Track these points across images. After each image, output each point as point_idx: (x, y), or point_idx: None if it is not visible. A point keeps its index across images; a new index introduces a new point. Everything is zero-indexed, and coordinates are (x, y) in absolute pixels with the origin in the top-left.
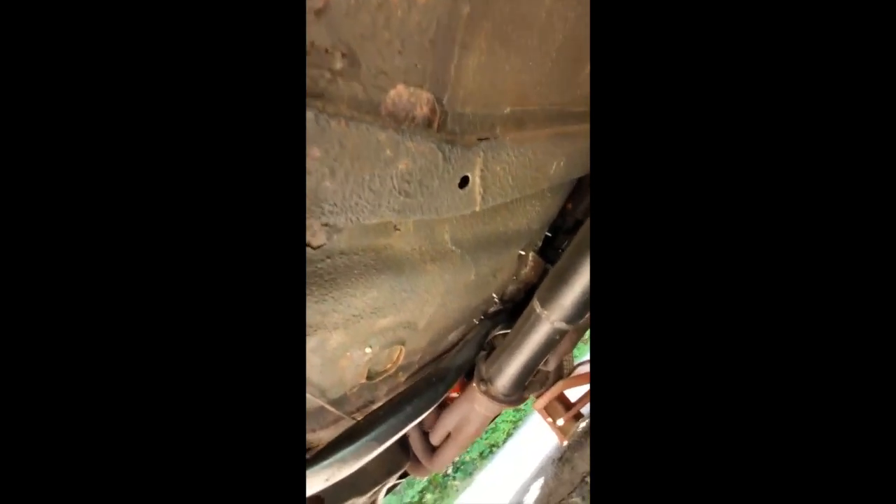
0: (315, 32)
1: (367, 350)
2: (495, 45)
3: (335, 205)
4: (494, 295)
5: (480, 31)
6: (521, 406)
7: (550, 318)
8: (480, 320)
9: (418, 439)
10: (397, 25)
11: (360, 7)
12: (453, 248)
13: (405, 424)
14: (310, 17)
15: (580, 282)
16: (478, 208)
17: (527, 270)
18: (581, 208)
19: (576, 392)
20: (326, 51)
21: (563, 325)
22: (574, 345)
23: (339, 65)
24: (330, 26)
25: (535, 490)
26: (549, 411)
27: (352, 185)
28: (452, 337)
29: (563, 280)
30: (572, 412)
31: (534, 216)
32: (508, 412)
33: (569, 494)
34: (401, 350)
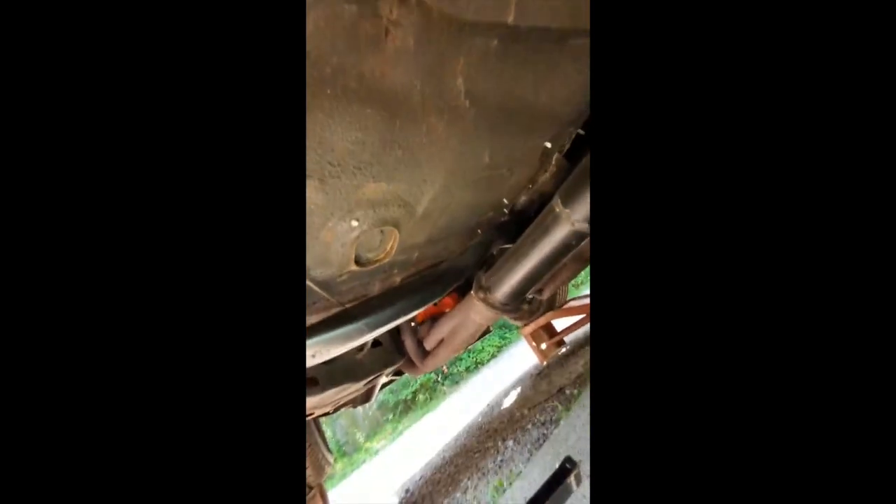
0: None
1: (354, 223)
2: None
3: None
4: (505, 199)
5: None
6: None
7: (572, 217)
8: (484, 231)
9: (412, 343)
10: None
11: None
12: (466, 102)
13: (397, 317)
14: None
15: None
16: (511, 19)
17: (547, 177)
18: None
19: (562, 323)
20: None
21: (585, 227)
22: (574, 275)
23: None
24: None
25: (514, 395)
26: (534, 337)
27: None
28: (452, 244)
29: (586, 177)
30: (555, 339)
31: (567, 96)
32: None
33: (545, 400)
34: (395, 235)
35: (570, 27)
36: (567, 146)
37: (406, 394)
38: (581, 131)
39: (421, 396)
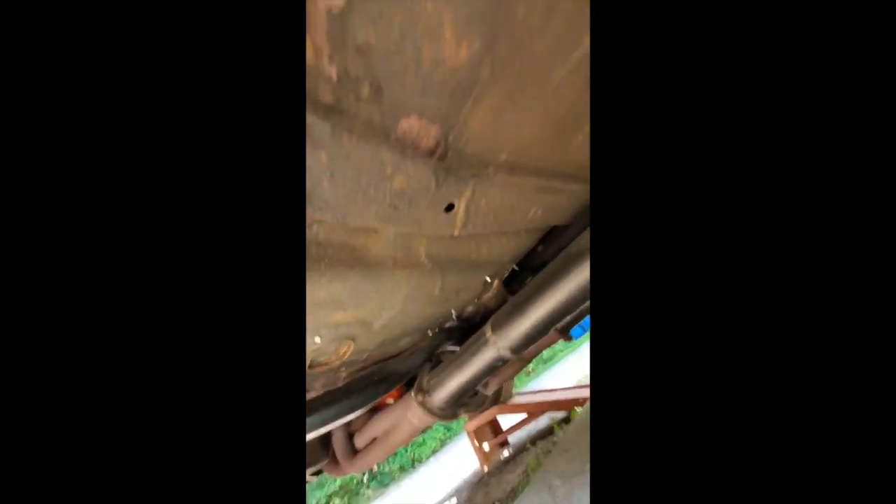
0: (352, 63)
1: (316, 340)
2: (505, 104)
3: (327, 202)
4: (453, 311)
5: (494, 91)
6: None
7: (498, 343)
8: (434, 333)
9: (342, 439)
10: (424, 74)
11: (397, 53)
12: (426, 260)
13: (336, 418)
14: (351, 52)
15: (532, 317)
16: (457, 233)
17: (489, 295)
18: (550, 252)
19: (508, 420)
20: (358, 79)
21: (507, 354)
22: (516, 373)
23: (365, 92)
24: (367, 62)
25: None
26: (477, 434)
27: (348, 190)
28: (403, 343)
29: (518, 311)
30: (499, 439)
31: (505, 250)
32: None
33: None
34: (349, 346)
35: (509, 228)
36: (506, 275)
37: (319, 497)
38: (516, 267)
39: (337, 501)
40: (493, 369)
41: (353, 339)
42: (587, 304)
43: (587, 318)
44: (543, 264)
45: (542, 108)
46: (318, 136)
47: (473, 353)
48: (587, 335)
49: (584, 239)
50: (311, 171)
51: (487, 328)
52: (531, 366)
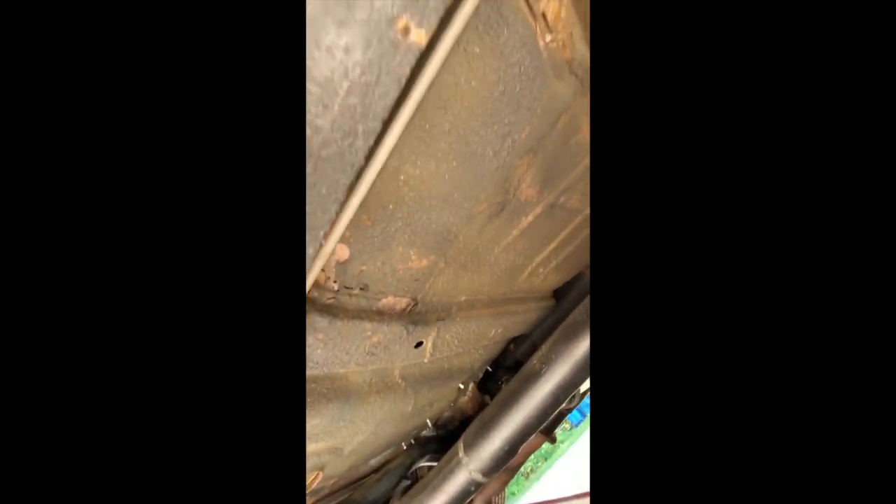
0: (349, 280)
1: None
2: (459, 272)
3: (317, 363)
4: (429, 421)
5: (449, 270)
6: None
7: (469, 466)
8: (410, 445)
9: None
10: (398, 276)
11: (380, 271)
12: (400, 381)
13: None
14: (349, 276)
15: (501, 435)
16: (427, 360)
17: (465, 400)
18: (521, 350)
19: None
20: (352, 287)
21: (479, 477)
22: (504, 485)
23: (356, 291)
24: (359, 278)
25: None
26: None
27: (336, 352)
28: (374, 462)
29: (486, 429)
30: None
31: (476, 358)
32: None
33: None
34: (317, 475)
35: (474, 347)
36: (480, 377)
37: None
38: (490, 368)
39: None
40: (466, 495)
41: (321, 468)
42: (565, 405)
43: (585, 402)
44: (517, 362)
45: (489, 269)
46: (317, 325)
47: (446, 478)
48: (587, 420)
49: (547, 349)
50: (308, 345)
51: (460, 447)
52: (530, 465)
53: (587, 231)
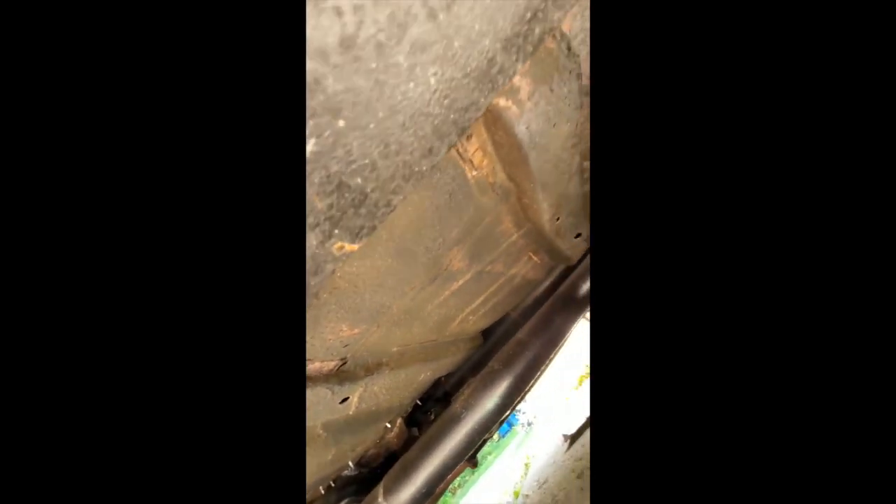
0: None
1: None
2: (392, 329)
3: None
4: (351, 463)
5: (382, 327)
6: None
7: None
8: (328, 488)
9: None
10: (329, 343)
11: (311, 340)
12: (321, 432)
13: None
14: None
15: (421, 476)
16: (352, 412)
17: (391, 437)
18: (451, 383)
19: None
20: None
21: None
22: None
23: None
24: None
25: None
26: None
27: None
28: None
29: (407, 473)
30: None
31: (405, 395)
32: None
33: None
34: None
35: (402, 395)
36: (408, 411)
37: None
38: (419, 402)
39: None
40: None
41: None
42: (485, 435)
43: (513, 415)
44: (446, 394)
45: (421, 323)
46: None
47: None
48: (514, 430)
49: (468, 393)
50: None
51: (379, 491)
52: (457, 482)
53: (512, 284)
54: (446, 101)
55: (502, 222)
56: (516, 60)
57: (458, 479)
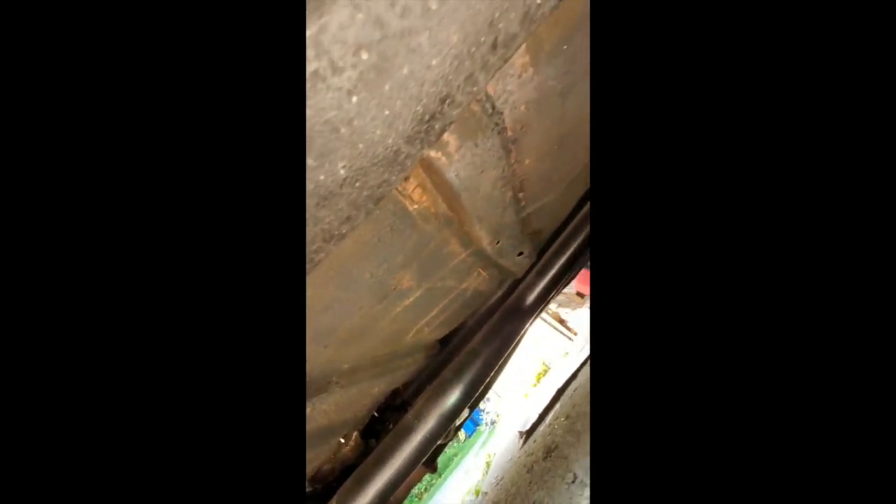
0: None
1: None
2: (341, 348)
3: None
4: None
5: (332, 348)
6: None
7: None
8: None
9: None
10: None
11: None
12: None
13: None
14: None
15: (374, 488)
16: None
17: (347, 450)
18: (409, 391)
19: None
20: None
21: None
22: None
23: None
24: None
25: None
26: None
27: None
28: None
29: (360, 486)
30: None
31: (359, 409)
32: None
33: None
34: None
35: (355, 404)
36: (365, 424)
37: None
38: (376, 413)
39: None
40: None
41: None
42: (441, 440)
43: (477, 414)
44: (404, 403)
45: (373, 338)
46: None
47: None
48: (479, 430)
49: (420, 404)
50: None
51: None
52: (422, 486)
53: (465, 297)
54: (357, 184)
55: (449, 244)
56: (421, 147)
57: (424, 483)
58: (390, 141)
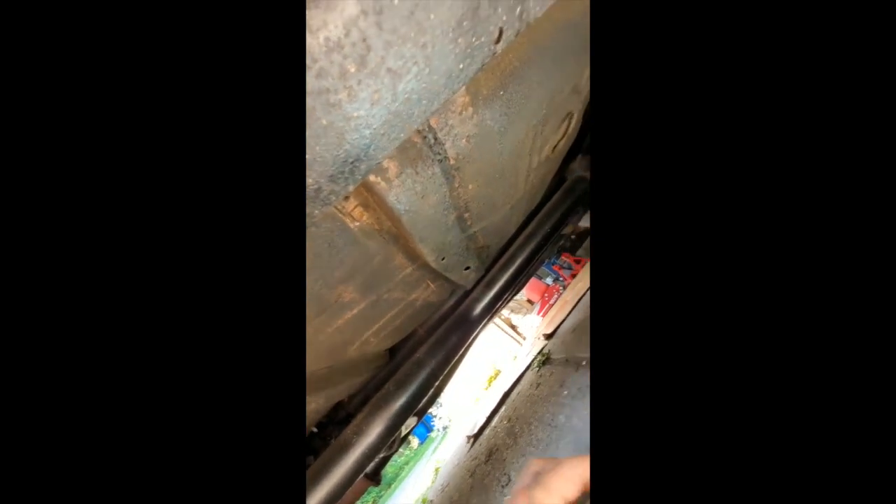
0: None
1: None
2: None
3: None
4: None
5: None
6: None
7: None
8: None
9: None
10: None
11: None
12: None
13: None
14: None
15: (319, 496)
16: None
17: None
18: (354, 403)
19: None
20: None
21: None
22: None
23: None
24: None
25: None
26: None
27: None
28: None
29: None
30: None
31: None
32: None
33: None
34: None
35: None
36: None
37: None
38: (315, 429)
39: None
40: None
41: None
42: (384, 452)
43: (427, 416)
44: (348, 416)
45: (312, 352)
46: None
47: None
48: (431, 437)
49: (360, 420)
50: None
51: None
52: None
53: (414, 307)
54: None
55: (395, 258)
56: (346, 184)
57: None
58: (311, 181)
